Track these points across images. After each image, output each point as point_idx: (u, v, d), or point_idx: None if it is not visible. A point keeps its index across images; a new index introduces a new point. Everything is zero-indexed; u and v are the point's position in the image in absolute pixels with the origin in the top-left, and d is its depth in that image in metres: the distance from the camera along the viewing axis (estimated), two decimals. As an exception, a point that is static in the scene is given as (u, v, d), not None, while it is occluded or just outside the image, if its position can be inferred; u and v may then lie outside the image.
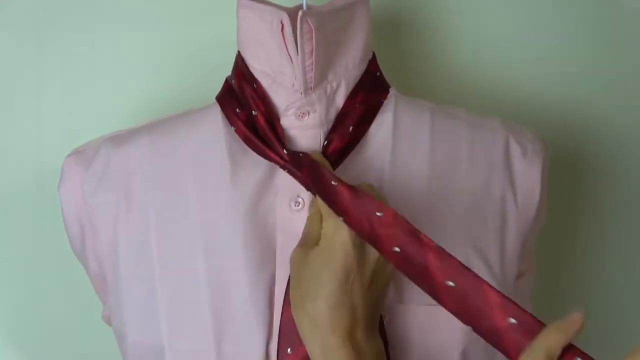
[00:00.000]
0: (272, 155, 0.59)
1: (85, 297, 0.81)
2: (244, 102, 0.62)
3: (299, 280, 0.54)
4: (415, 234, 0.51)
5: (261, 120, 0.60)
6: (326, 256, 0.53)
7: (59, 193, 0.64)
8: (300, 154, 0.58)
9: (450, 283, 0.48)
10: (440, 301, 0.48)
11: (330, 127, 0.61)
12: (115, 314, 0.63)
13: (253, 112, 0.61)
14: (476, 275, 0.48)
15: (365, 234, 0.52)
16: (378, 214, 0.52)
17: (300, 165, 0.57)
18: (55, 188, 0.64)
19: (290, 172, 0.59)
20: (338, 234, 0.53)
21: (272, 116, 0.60)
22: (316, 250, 0.54)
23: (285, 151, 0.58)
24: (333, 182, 0.54)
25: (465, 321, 0.48)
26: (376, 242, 0.52)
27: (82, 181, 0.63)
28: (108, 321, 0.67)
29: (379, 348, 0.54)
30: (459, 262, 0.49)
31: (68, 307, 0.90)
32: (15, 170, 0.86)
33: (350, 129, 0.60)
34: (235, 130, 0.61)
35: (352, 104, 0.61)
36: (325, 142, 0.60)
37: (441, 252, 0.49)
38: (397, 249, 0.51)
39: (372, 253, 0.54)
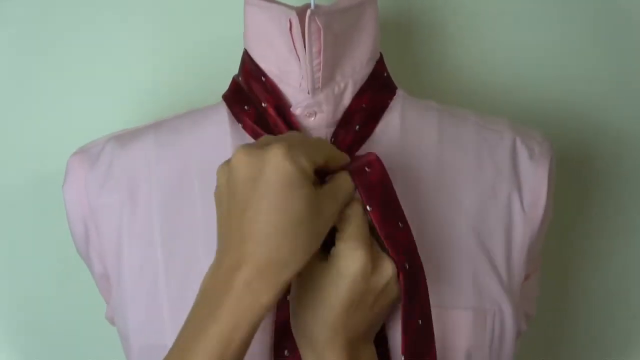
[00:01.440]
0: None
1: (87, 297, 0.81)
2: (252, 98, 0.61)
3: (301, 291, 0.53)
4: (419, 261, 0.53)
5: (271, 111, 0.60)
6: (333, 279, 0.51)
7: (63, 192, 0.63)
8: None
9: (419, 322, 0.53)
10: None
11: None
12: (118, 314, 0.62)
13: (263, 104, 0.60)
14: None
15: (383, 234, 0.52)
16: (400, 224, 0.53)
17: None
18: (57, 188, 0.64)
19: None
20: (349, 263, 0.51)
21: (283, 106, 0.60)
22: (324, 266, 0.52)
23: None
24: (367, 169, 0.53)
25: None
26: (390, 247, 0.52)
27: (87, 180, 0.62)
28: (111, 321, 0.67)
29: (372, 353, 0.54)
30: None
31: (70, 307, 0.90)
32: (17, 170, 0.86)
33: (357, 127, 0.60)
34: (243, 127, 0.61)
35: (359, 103, 0.61)
36: (332, 139, 0.60)
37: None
38: (407, 265, 0.52)
39: (383, 278, 0.52)
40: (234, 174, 0.48)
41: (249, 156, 0.48)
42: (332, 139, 0.60)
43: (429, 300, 0.53)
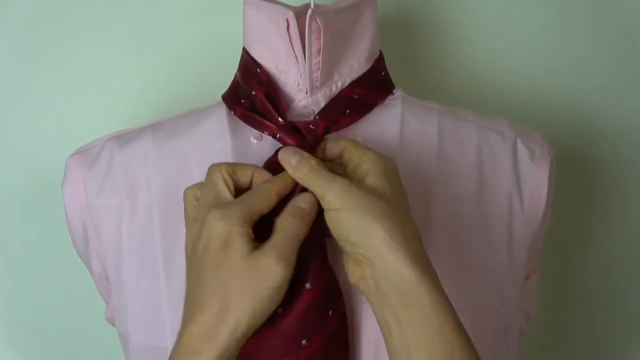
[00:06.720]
0: (266, 123, 0.58)
1: (87, 297, 0.80)
2: (247, 91, 0.61)
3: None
4: None
5: (261, 97, 0.59)
6: None
7: (62, 193, 0.63)
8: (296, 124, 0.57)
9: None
10: None
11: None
12: (118, 314, 0.62)
13: (253, 92, 0.60)
14: None
15: None
16: None
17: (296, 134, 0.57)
18: (56, 188, 0.64)
19: (280, 140, 0.57)
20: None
21: (274, 92, 0.59)
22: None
23: (280, 119, 0.58)
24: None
25: None
26: None
27: (85, 181, 0.62)
28: (111, 321, 0.67)
29: None
30: None
31: (69, 307, 0.90)
32: (16, 170, 0.87)
33: (347, 111, 0.60)
34: (234, 113, 0.61)
35: (351, 92, 0.60)
36: (317, 116, 0.59)
37: None
38: None
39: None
40: (186, 240, 0.53)
41: (195, 221, 0.52)
42: (317, 115, 0.59)
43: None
